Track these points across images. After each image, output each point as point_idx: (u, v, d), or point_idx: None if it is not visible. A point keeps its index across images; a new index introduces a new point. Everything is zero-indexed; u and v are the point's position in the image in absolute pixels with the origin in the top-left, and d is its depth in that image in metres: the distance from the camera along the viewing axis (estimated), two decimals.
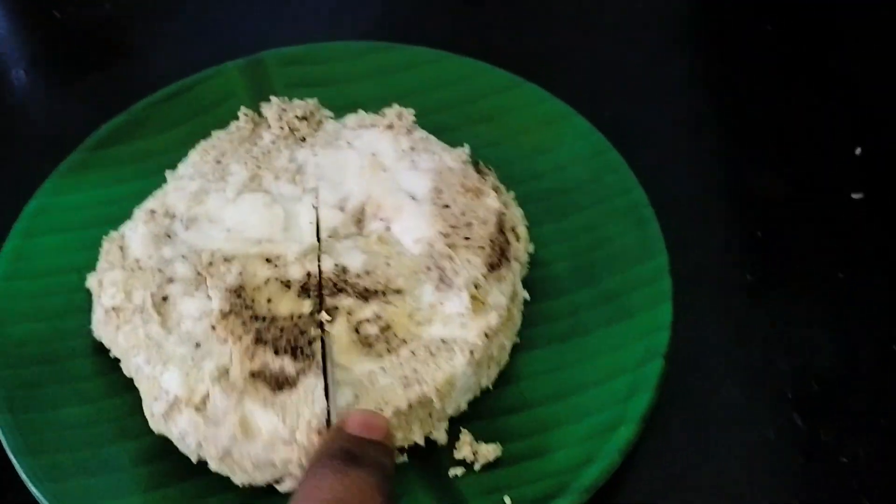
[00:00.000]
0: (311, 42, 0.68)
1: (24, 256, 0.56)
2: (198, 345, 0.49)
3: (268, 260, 0.52)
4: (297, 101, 0.61)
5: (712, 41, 0.72)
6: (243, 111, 0.61)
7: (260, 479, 0.47)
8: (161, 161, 0.61)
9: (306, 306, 0.50)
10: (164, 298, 0.51)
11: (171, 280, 0.52)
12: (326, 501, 0.37)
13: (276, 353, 0.48)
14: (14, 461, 0.48)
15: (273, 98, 0.61)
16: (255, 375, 0.47)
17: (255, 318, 0.49)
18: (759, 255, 0.59)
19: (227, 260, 0.51)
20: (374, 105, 0.62)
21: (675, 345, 0.51)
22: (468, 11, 0.74)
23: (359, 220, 0.55)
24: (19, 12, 0.77)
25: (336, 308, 0.50)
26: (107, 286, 0.52)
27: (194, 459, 0.48)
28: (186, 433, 0.47)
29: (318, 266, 0.51)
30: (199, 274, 0.52)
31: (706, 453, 0.51)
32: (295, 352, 0.48)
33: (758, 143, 0.64)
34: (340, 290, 0.50)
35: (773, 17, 0.71)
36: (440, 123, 0.62)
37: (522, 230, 0.56)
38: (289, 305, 0.50)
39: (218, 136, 0.60)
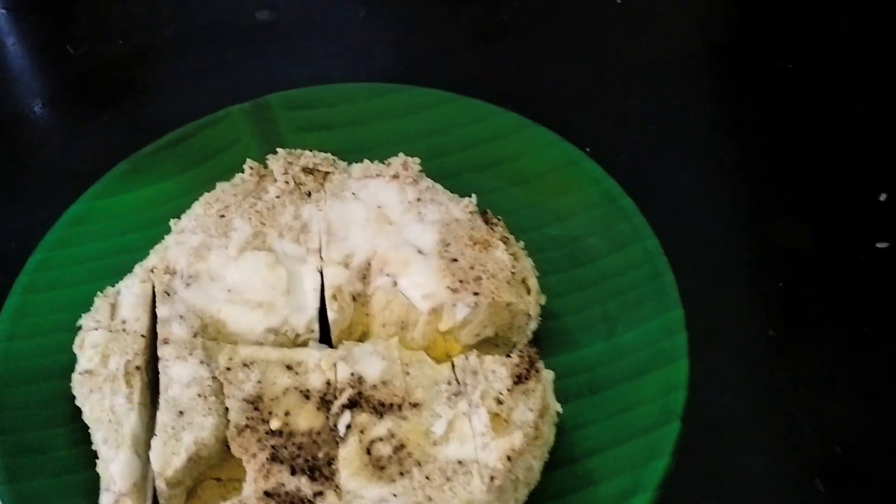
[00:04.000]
0: (322, 82, 0.67)
1: (26, 314, 0.55)
2: (181, 413, 0.48)
3: (288, 367, 0.50)
4: (303, 153, 0.59)
5: (730, 83, 0.70)
6: (249, 163, 0.59)
7: None
8: (164, 210, 0.59)
9: (324, 420, 0.47)
10: (138, 368, 0.50)
11: (165, 341, 0.51)
12: None
13: (293, 472, 0.46)
14: None
15: (279, 150, 0.60)
16: (269, 495, 0.45)
17: (272, 433, 0.47)
18: (780, 307, 0.57)
19: (245, 365, 0.49)
20: (382, 148, 0.60)
21: (692, 405, 0.49)
22: (480, 51, 0.73)
23: (364, 275, 0.54)
24: (35, 48, 0.77)
25: (349, 426, 0.47)
26: (87, 347, 0.51)
27: None
28: None
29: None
30: (194, 336, 0.51)
31: None
32: (313, 472, 0.46)
33: (778, 190, 0.62)
34: (354, 405, 0.48)
35: (792, 56, 0.69)
36: (447, 167, 0.60)
37: (534, 283, 0.55)
38: (308, 420, 0.48)
39: (222, 188, 0.58)
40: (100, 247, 0.59)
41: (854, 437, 0.51)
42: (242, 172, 0.59)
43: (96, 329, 0.52)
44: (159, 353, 0.50)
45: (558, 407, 0.49)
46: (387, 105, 0.65)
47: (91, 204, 0.60)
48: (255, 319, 0.52)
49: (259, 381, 0.49)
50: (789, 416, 0.52)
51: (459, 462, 0.46)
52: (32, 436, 0.50)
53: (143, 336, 0.51)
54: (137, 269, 0.55)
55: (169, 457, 0.46)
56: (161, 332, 0.51)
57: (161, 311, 0.52)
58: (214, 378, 0.49)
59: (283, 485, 0.46)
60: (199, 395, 0.49)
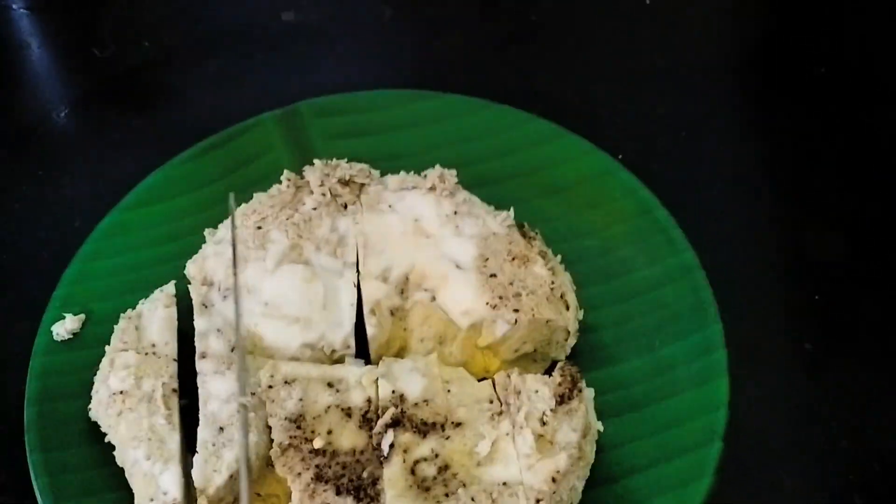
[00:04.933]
0: (349, 85, 0.67)
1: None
2: (221, 429, 0.48)
3: (329, 384, 0.50)
4: (339, 164, 0.59)
5: (764, 88, 0.69)
6: (286, 175, 0.59)
7: None
8: (199, 219, 0.59)
9: (367, 439, 0.47)
10: (174, 391, 0.50)
11: (203, 355, 0.51)
12: None
13: (338, 493, 0.46)
14: None
15: (316, 162, 0.59)
16: None
17: (316, 452, 0.47)
18: (817, 321, 0.56)
19: (287, 382, 0.49)
20: (414, 156, 0.60)
21: (731, 423, 0.49)
22: (508, 53, 0.72)
23: (402, 290, 0.54)
24: (60, 51, 0.76)
25: (392, 445, 0.47)
26: (118, 368, 0.51)
27: None
28: None
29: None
30: (232, 350, 0.51)
31: None
32: (358, 492, 0.46)
33: (813, 199, 0.62)
34: (397, 423, 0.48)
35: (826, 61, 0.68)
36: (481, 175, 0.60)
37: (572, 298, 0.55)
38: (350, 438, 0.48)
39: (259, 199, 0.58)
40: (135, 258, 0.59)
41: (894, 454, 0.51)
42: (276, 181, 0.59)
43: (125, 350, 0.52)
44: (197, 367, 0.50)
45: (599, 426, 0.50)
46: (418, 112, 0.64)
47: (124, 215, 0.60)
48: (292, 334, 0.52)
49: (301, 399, 0.49)
50: (827, 432, 0.52)
51: (504, 483, 0.46)
52: (67, 454, 0.51)
53: (174, 360, 0.51)
54: (157, 293, 0.55)
55: (210, 474, 0.46)
56: (199, 345, 0.51)
57: (199, 324, 0.52)
58: (253, 393, 0.50)
59: None
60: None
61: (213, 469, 0.47)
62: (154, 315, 0.53)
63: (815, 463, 0.51)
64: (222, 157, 0.63)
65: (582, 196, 0.60)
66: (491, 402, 0.49)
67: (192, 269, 0.56)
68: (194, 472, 0.46)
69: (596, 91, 0.68)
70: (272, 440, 0.48)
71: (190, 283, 0.55)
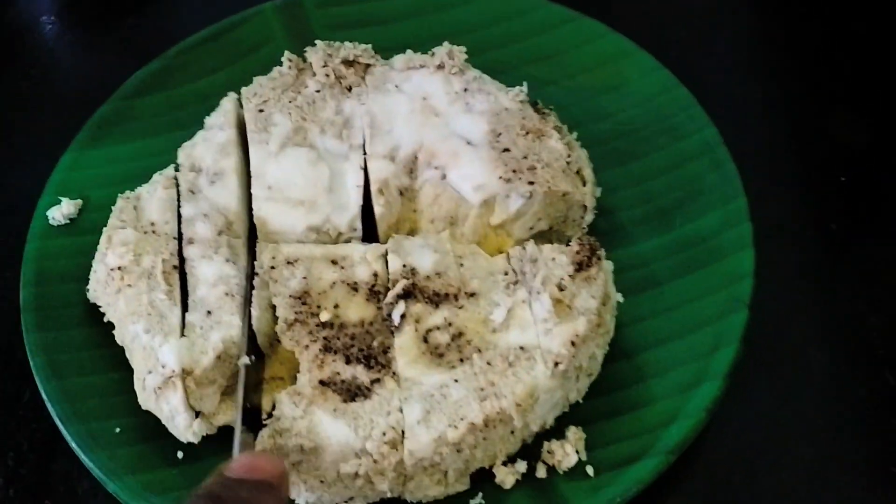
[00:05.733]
0: None
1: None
2: (209, 312, 0.46)
3: (333, 262, 0.48)
4: (342, 45, 0.57)
5: None
6: (287, 56, 0.56)
7: (328, 499, 0.43)
8: (198, 110, 0.57)
9: (376, 311, 0.46)
10: (175, 267, 0.48)
11: (191, 241, 0.49)
12: None
13: (348, 361, 0.44)
14: (63, 430, 0.46)
15: (318, 42, 0.57)
16: (324, 384, 0.44)
17: (323, 325, 0.45)
18: (843, 201, 0.54)
19: (290, 263, 0.48)
20: (421, 46, 0.58)
21: (757, 298, 0.47)
22: None
23: (411, 169, 0.52)
24: None
25: (403, 316, 0.45)
26: (116, 244, 0.49)
27: (183, 440, 0.45)
28: (177, 412, 0.44)
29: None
30: (219, 234, 0.49)
31: (792, 415, 0.47)
32: (368, 360, 0.44)
33: (839, 82, 0.59)
34: (409, 295, 0.46)
35: None
36: (493, 62, 0.58)
37: (589, 173, 0.52)
38: (358, 311, 0.46)
39: (259, 82, 0.56)
40: (133, 147, 0.57)
41: None
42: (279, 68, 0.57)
43: (123, 227, 0.50)
44: (185, 253, 0.49)
45: (619, 297, 0.48)
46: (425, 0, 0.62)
47: (120, 103, 0.58)
48: (297, 217, 0.51)
49: (305, 277, 0.47)
50: (855, 308, 0.50)
51: (521, 348, 0.44)
52: (64, 335, 0.49)
53: (175, 238, 0.49)
54: (157, 176, 0.53)
55: (198, 356, 0.45)
56: (186, 231, 0.50)
57: (185, 211, 0.50)
58: (256, 274, 0.48)
59: (338, 373, 0.44)
60: (227, 294, 0.47)
61: (200, 351, 0.45)
62: (153, 196, 0.51)
63: (843, 338, 0.49)
64: (221, 48, 0.61)
65: (599, 79, 0.58)
66: (506, 273, 0.47)
67: (181, 155, 0.54)
68: (181, 354, 0.45)
69: None
70: (276, 319, 0.46)
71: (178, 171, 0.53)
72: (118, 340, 0.48)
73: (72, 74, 0.66)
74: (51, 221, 0.53)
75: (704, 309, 0.48)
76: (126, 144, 0.57)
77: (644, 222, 0.52)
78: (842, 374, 0.48)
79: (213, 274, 0.48)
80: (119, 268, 0.48)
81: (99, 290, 0.49)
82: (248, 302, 0.47)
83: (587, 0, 0.62)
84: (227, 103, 0.55)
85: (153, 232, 0.50)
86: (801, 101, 0.59)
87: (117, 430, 0.46)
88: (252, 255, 0.50)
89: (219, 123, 0.54)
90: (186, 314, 0.47)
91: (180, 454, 0.46)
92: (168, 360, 0.45)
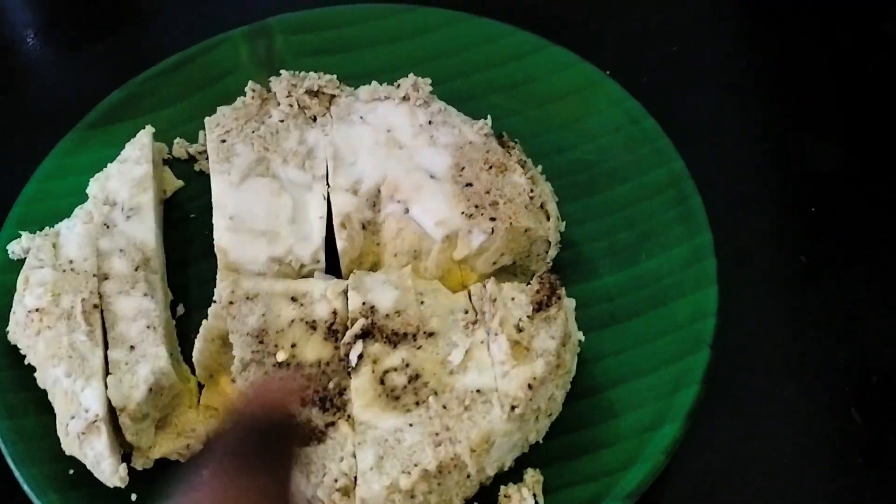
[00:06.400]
0: (322, 4, 0.63)
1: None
2: (132, 347, 0.46)
3: (293, 299, 0.47)
4: (308, 75, 0.56)
5: None
6: (251, 86, 0.56)
7: None
8: (161, 140, 0.57)
9: (333, 351, 0.45)
10: (95, 306, 0.47)
11: (106, 276, 0.48)
12: None
13: (303, 404, 0.44)
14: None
15: (283, 72, 0.56)
16: None
17: (279, 365, 0.45)
18: (813, 233, 0.54)
19: (249, 298, 0.47)
20: (389, 73, 0.57)
21: (722, 334, 0.47)
22: None
23: (374, 202, 0.51)
24: None
25: (361, 356, 0.45)
26: (33, 285, 0.48)
27: (110, 485, 0.44)
28: (102, 457, 0.43)
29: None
30: (136, 269, 0.49)
31: (756, 453, 0.46)
32: (323, 402, 0.44)
33: (811, 108, 0.58)
34: (367, 335, 0.45)
35: None
36: (459, 92, 0.57)
37: (553, 207, 0.52)
38: (315, 350, 0.45)
39: (223, 111, 0.55)
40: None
41: (891, 365, 0.48)
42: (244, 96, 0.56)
43: (41, 267, 0.49)
44: (100, 290, 0.48)
45: (580, 336, 0.47)
46: (393, 27, 0.61)
47: (85, 133, 0.58)
48: (258, 248, 0.50)
49: (263, 315, 0.47)
50: (823, 344, 0.49)
51: (478, 391, 0.43)
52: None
53: (94, 276, 0.49)
54: (78, 210, 0.52)
55: (128, 391, 0.45)
56: (102, 266, 0.49)
57: (101, 245, 0.50)
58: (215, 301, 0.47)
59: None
60: (148, 327, 0.47)
61: (129, 386, 0.45)
62: (72, 232, 0.51)
63: (810, 374, 0.49)
64: (188, 76, 0.60)
65: (566, 109, 0.57)
66: (466, 312, 0.46)
67: (94, 186, 0.53)
68: (110, 392, 0.44)
69: (581, 4, 0.65)
70: (221, 351, 0.46)
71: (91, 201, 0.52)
72: (39, 384, 0.47)
73: (51, 92, 0.66)
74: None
75: (667, 347, 0.47)
76: (89, 174, 0.56)
77: (609, 255, 0.52)
78: (808, 411, 0.48)
79: (131, 308, 0.48)
80: (37, 309, 0.47)
81: (18, 332, 0.48)
82: None
83: (561, 25, 0.61)
84: (144, 136, 0.55)
85: (72, 270, 0.49)
86: (772, 130, 0.59)
87: (69, 472, 0.45)
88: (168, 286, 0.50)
89: (135, 157, 0.54)
90: (109, 352, 0.46)
91: (134, 496, 0.45)
92: (91, 405, 0.44)
